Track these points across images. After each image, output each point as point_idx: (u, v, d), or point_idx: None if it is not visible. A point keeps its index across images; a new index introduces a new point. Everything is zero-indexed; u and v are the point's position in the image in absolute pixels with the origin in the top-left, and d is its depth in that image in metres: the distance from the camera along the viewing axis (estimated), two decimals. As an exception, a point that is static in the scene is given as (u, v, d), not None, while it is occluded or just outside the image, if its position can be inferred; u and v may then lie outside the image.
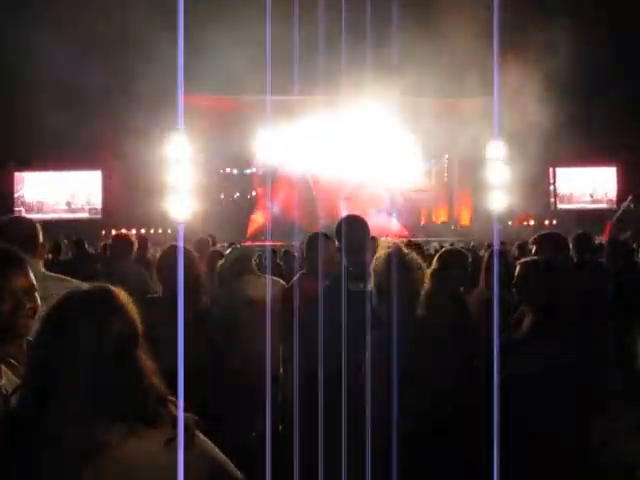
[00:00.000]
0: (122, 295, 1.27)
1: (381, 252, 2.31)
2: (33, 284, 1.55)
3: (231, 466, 1.28)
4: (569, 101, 14.60)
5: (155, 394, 1.19)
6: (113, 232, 14.50)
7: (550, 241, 3.44)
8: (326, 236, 3.47)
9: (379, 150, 18.43)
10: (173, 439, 1.15)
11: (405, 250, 2.33)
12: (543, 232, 3.68)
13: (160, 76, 9.90)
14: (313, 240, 3.44)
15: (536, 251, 3.36)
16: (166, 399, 1.21)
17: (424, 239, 13.65)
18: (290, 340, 2.83)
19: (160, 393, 1.21)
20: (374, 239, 3.22)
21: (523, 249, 5.66)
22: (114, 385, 1.15)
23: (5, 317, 1.47)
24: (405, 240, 9.43)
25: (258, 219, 19.04)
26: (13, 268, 1.52)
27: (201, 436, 1.24)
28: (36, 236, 2.45)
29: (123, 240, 4.51)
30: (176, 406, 1.21)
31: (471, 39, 12.02)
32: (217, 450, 1.22)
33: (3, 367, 1.48)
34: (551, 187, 19.67)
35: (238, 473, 1.28)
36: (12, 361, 1.51)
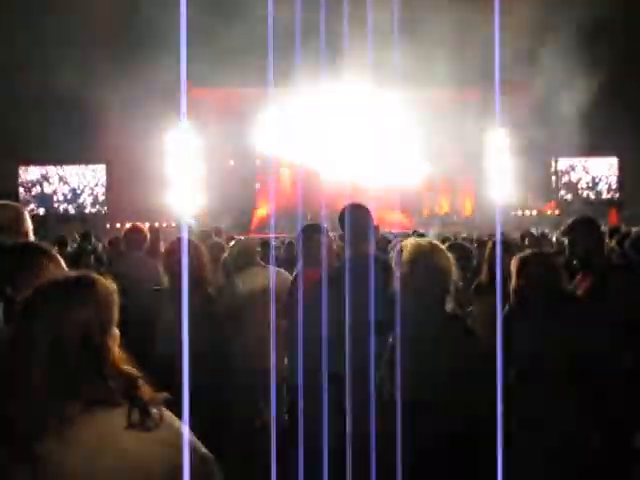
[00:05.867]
0: (102, 284, 1.30)
1: (406, 244, 2.21)
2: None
3: (199, 444, 1.30)
4: (572, 91, 14.53)
5: (120, 378, 1.23)
6: (118, 226, 14.62)
7: (585, 230, 2.98)
8: (319, 227, 3.50)
9: (380, 140, 18.37)
10: (135, 421, 1.20)
11: (434, 246, 2.22)
12: (576, 219, 3.10)
13: (164, 69, 9.89)
14: (307, 231, 3.46)
15: (570, 242, 3.00)
16: (136, 384, 1.25)
17: (436, 230, 13.61)
18: (299, 333, 2.85)
19: (128, 377, 1.25)
20: (377, 228, 3.22)
21: (525, 239, 5.69)
22: (74, 368, 1.19)
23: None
24: (411, 232, 9.46)
25: (262, 211, 19.06)
26: (30, 261, 1.62)
27: (168, 413, 1.26)
28: (20, 222, 2.41)
29: (136, 232, 4.53)
30: (147, 390, 1.26)
31: (472, 26, 11.96)
32: (186, 428, 1.22)
33: None
34: (553, 177, 19.61)
35: (207, 452, 1.30)
36: None
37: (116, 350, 1.27)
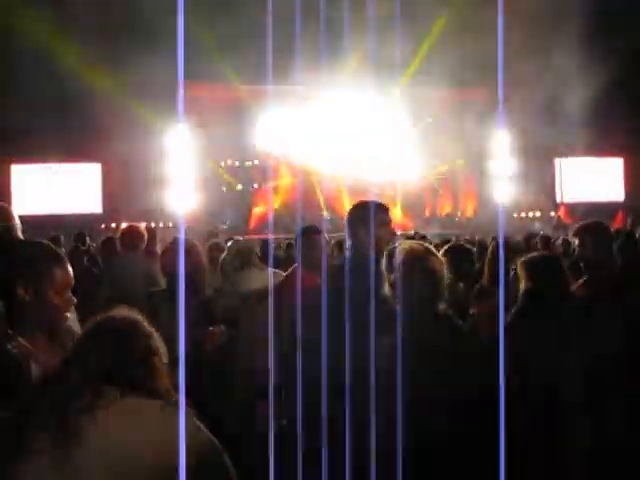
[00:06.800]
0: (141, 322, 1.54)
1: (399, 247, 2.24)
2: (54, 281, 1.66)
3: (213, 438, 1.43)
4: (576, 90, 14.49)
5: (159, 378, 1.43)
6: (113, 226, 14.56)
7: (595, 234, 3.03)
8: (317, 229, 3.48)
9: (381, 140, 18.36)
10: (167, 406, 1.36)
11: (427, 250, 2.26)
12: (588, 222, 3.15)
13: (161, 65, 9.84)
14: (305, 233, 3.45)
15: (580, 244, 3.04)
16: (168, 386, 1.43)
17: (438, 231, 13.62)
18: (292, 332, 2.81)
19: (165, 379, 1.44)
20: (394, 233, 3.12)
21: (530, 241, 5.67)
22: (128, 365, 1.40)
23: (26, 308, 1.60)
24: (413, 232, 9.42)
25: (260, 212, 19.01)
26: (40, 261, 1.66)
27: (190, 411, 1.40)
28: (8, 221, 2.43)
29: (133, 233, 4.50)
30: (176, 391, 1.39)
31: (475, 24, 11.93)
32: (182, 427, 1.31)
33: (33, 365, 1.56)
34: (557, 178, 19.48)
35: (219, 446, 1.44)
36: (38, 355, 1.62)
37: (162, 366, 1.46)
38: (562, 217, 17.84)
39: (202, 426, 1.38)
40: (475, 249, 4.35)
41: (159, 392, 1.39)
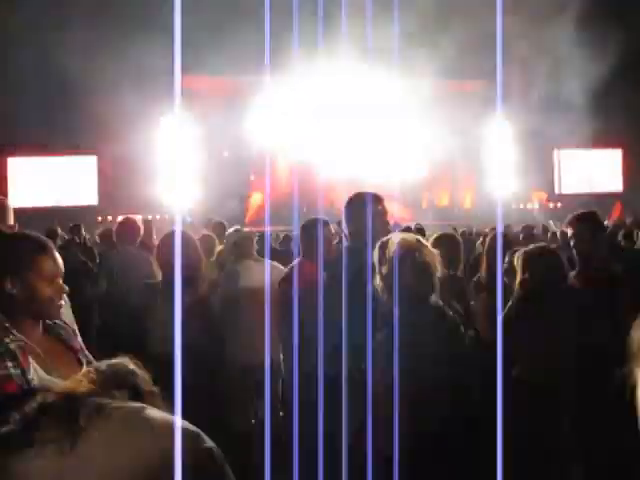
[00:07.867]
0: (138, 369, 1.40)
1: (391, 240, 2.24)
2: (41, 271, 1.63)
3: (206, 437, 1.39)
4: (573, 81, 14.45)
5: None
6: (109, 219, 14.51)
7: (587, 225, 3.05)
8: (321, 221, 3.47)
9: (379, 133, 18.29)
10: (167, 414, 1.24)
11: (419, 243, 2.26)
12: (579, 213, 3.17)
13: (158, 56, 9.78)
14: (310, 225, 3.43)
15: (574, 235, 3.05)
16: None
17: (435, 223, 13.61)
18: (290, 326, 2.79)
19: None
20: (387, 223, 3.10)
21: (529, 232, 5.68)
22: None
23: (14, 301, 1.58)
24: (413, 225, 9.40)
25: (256, 204, 18.97)
26: (28, 255, 1.63)
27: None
28: (3, 215, 2.42)
29: (129, 225, 4.47)
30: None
31: (472, 17, 11.87)
32: (178, 427, 1.30)
33: (30, 359, 1.55)
34: (555, 170, 19.46)
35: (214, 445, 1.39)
36: (39, 351, 1.59)
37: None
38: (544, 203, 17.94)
39: (201, 434, 1.39)
40: (478, 239, 4.32)
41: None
